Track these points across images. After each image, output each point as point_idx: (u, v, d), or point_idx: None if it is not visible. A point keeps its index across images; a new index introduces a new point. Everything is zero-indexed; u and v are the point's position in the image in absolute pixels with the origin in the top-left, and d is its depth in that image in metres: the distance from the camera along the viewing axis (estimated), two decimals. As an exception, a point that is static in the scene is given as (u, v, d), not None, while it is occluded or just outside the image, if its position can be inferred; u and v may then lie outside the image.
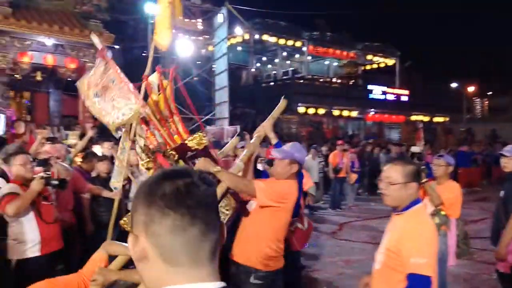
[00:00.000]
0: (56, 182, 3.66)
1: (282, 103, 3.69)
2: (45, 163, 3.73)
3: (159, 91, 3.40)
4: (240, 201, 3.18)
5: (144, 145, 3.30)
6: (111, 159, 6.07)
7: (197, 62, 19.61)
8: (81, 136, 8.63)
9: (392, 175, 2.35)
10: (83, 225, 5.08)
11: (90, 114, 14.28)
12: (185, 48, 17.06)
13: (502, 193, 4.00)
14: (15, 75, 12.56)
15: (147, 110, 3.20)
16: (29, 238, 3.58)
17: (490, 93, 38.96)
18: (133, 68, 15.64)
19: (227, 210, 2.99)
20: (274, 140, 3.60)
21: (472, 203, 10.96)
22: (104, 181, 5.37)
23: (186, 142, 3.05)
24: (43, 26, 11.67)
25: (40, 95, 15.68)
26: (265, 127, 3.51)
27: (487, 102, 40.13)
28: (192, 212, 0.91)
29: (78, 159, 6.75)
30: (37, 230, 3.61)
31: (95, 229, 5.10)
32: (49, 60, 12.48)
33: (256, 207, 3.17)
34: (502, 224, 3.74)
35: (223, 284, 0.92)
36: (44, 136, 6.98)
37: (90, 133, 6.98)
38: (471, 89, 35.53)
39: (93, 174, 5.70)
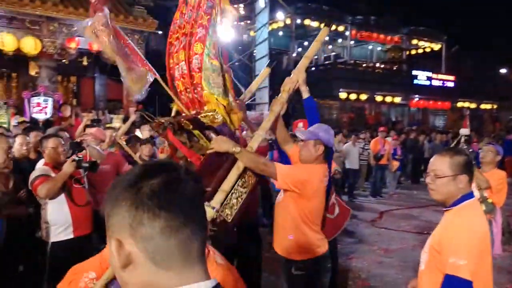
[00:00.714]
0: (86, 165, 3.63)
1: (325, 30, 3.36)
2: (77, 146, 3.75)
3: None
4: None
5: (155, 119, 3.09)
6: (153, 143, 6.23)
7: (238, 47, 19.61)
8: (125, 120, 8.88)
9: (439, 167, 2.10)
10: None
11: (133, 99, 14.70)
12: (226, 33, 17.07)
13: None
14: (62, 60, 12.99)
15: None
16: (61, 220, 3.61)
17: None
18: (175, 53, 15.75)
19: (244, 187, 2.80)
20: (305, 94, 3.26)
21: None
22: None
23: (198, 117, 2.72)
24: (89, 13, 11.97)
25: (86, 79, 16.17)
26: (298, 75, 3.13)
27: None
28: (184, 211, 0.86)
29: (122, 142, 6.97)
30: (68, 212, 3.61)
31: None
32: (94, 45, 12.81)
33: (283, 195, 3.10)
34: None
35: (215, 281, 0.88)
36: (89, 119, 7.21)
37: (133, 117, 7.16)
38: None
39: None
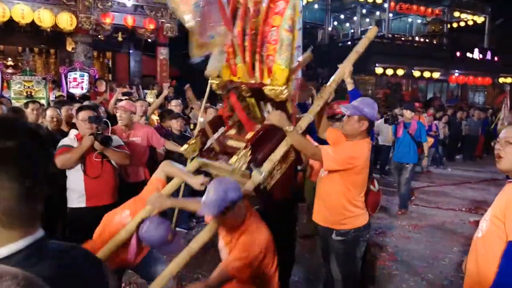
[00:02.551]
0: (100, 138, 3.63)
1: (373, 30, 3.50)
2: (96, 120, 3.73)
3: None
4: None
5: (221, 80, 3.25)
6: (185, 117, 6.30)
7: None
8: (158, 95, 9.02)
9: None
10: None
11: (167, 74, 14.89)
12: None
13: None
14: (98, 36, 13.25)
15: (235, 35, 2.98)
16: (76, 189, 3.73)
17: None
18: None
19: (284, 163, 3.00)
20: (350, 86, 3.42)
21: None
22: (177, 138, 5.61)
23: (263, 88, 2.89)
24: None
25: (121, 55, 16.49)
26: (346, 67, 3.25)
27: None
28: (20, 171, 0.88)
29: (155, 117, 7.11)
30: (82, 183, 3.70)
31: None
32: (129, 21, 13.01)
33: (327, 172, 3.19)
34: None
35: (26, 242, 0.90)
36: (120, 92, 7.35)
37: (165, 91, 7.27)
38: None
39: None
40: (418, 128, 7.05)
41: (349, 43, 25.13)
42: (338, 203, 3.13)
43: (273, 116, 2.86)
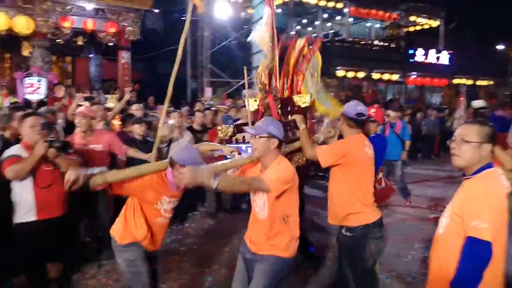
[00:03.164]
0: (58, 145, 3.45)
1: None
2: (48, 127, 3.61)
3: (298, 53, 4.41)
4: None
5: (264, 83, 4.30)
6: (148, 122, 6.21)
7: (235, 25, 19.36)
8: (120, 100, 8.83)
9: (468, 133, 2.20)
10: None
11: (129, 78, 14.63)
12: (223, 11, 16.89)
13: None
14: (57, 40, 12.88)
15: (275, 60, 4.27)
16: (25, 201, 3.51)
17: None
18: (172, 31, 15.70)
19: (299, 160, 3.86)
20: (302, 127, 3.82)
21: None
22: (140, 143, 5.51)
23: (292, 96, 4.12)
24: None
25: (81, 59, 16.09)
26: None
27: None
28: None
29: (116, 122, 6.96)
30: (31, 194, 3.50)
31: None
32: (89, 24, 12.72)
33: (331, 171, 3.44)
34: None
35: None
36: (81, 97, 7.17)
37: (127, 95, 7.13)
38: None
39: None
40: (403, 127, 7.40)
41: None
42: (342, 199, 3.33)
43: (297, 116, 3.71)
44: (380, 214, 3.39)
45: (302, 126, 3.58)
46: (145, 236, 3.06)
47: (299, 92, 4.20)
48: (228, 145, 3.84)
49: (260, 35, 4.30)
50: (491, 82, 28.62)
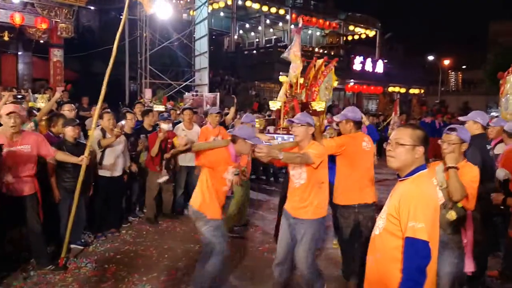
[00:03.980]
0: None
1: None
2: None
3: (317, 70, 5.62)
4: None
5: (290, 91, 5.53)
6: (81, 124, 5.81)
7: (178, 26, 18.99)
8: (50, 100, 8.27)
9: (402, 136, 2.32)
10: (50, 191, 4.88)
11: (61, 77, 13.89)
12: (164, 11, 16.48)
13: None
14: (-20, 34, 11.99)
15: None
16: None
17: (464, 67, 40.67)
18: (109, 29, 15.13)
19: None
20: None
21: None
22: (72, 146, 5.12)
23: (310, 102, 5.27)
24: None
25: (8, 56, 15.09)
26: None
27: (461, 75, 41.69)
28: None
29: (43, 122, 6.46)
30: None
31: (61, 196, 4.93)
32: (17, 19, 11.91)
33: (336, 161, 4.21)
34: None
35: None
36: (10, 94, 6.65)
37: (57, 94, 6.64)
38: (446, 62, 36.27)
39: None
40: (370, 130, 7.65)
41: (254, 51, 25.69)
42: (342, 183, 4.13)
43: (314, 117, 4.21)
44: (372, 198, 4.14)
45: (317, 123, 4.12)
46: (220, 207, 3.86)
47: (314, 100, 5.33)
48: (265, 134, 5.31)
49: (293, 54, 5.53)
50: (423, 90, 30.30)
